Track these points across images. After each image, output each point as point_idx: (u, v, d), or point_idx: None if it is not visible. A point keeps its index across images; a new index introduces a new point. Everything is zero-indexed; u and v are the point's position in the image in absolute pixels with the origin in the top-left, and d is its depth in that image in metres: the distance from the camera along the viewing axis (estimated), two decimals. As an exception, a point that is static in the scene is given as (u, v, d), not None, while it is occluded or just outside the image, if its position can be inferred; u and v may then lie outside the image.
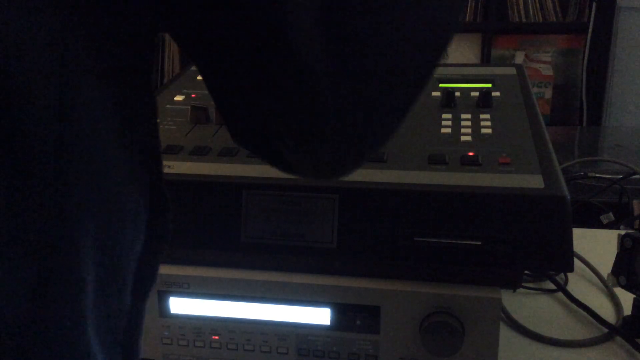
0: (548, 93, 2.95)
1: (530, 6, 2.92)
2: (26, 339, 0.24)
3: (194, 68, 0.83)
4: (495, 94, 0.70)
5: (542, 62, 2.95)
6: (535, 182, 0.52)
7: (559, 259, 0.51)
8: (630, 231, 0.64)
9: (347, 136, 0.29)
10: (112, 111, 0.27)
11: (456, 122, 0.64)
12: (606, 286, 0.74)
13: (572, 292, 0.70)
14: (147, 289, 0.34)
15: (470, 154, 0.57)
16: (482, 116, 0.65)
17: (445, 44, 0.30)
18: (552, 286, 0.72)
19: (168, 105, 0.72)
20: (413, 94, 0.30)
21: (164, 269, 0.57)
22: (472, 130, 0.62)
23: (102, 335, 0.29)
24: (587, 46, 2.85)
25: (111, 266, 0.29)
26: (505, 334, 0.66)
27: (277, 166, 0.33)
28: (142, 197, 0.31)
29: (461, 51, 3.00)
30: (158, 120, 0.32)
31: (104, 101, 0.26)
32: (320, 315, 0.55)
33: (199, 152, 0.60)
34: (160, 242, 0.34)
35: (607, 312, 0.69)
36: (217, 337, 0.57)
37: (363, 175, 0.55)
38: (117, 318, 0.31)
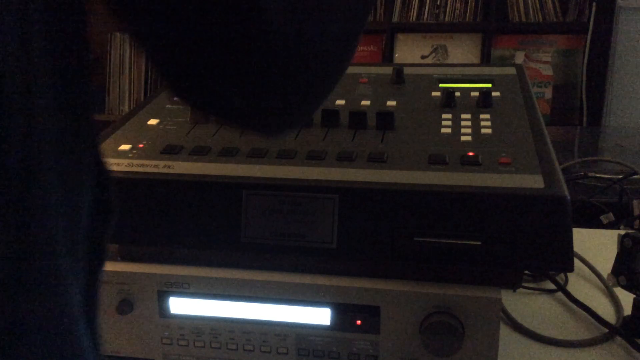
0: (548, 93, 2.95)
1: (530, 6, 2.92)
2: (10, 291, 0.25)
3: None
4: (495, 94, 0.70)
5: (542, 62, 2.95)
6: (535, 182, 0.52)
7: (559, 259, 0.51)
8: (630, 231, 0.64)
9: (295, 73, 0.31)
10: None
11: (456, 122, 0.64)
12: (606, 286, 0.74)
13: (572, 292, 0.70)
14: (95, 268, 0.34)
15: (470, 154, 0.57)
16: (482, 116, 0.65)
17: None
18: (552, 286, 0.72)
19: (168, 105, 0.72)
20: (354, 32, 0.34)
21: (164, 269, 0.57)
22: (472, 130, 0.62)
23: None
24: (587, 46, 2.85)
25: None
26: (505, 334, 0.66)
27: (223, 116, 0.34)
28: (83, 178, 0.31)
29: (461, 51, 3.00)
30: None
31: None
32: (320, 315, 0.55)
33: (199, 152, 0.60)
34: (105, 216, 0.34)
35: (607, 312, 0.69)
36: (217, 337, 0.57)
37: (363, 175, 0.55)
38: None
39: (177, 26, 0.27)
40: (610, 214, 0.96)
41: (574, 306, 0.69)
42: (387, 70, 0.79)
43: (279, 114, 0.34)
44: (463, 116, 0.65)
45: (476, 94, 0.70)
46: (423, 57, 3.03)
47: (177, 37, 0.28)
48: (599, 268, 0.77)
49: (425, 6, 2.99)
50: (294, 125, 0.39)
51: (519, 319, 0.67)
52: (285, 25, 0.28)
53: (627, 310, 0.66)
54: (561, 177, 0.53)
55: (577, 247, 0.72)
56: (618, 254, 0.64)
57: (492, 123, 0.63)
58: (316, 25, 0.30)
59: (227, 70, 0.29)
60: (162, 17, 0.28)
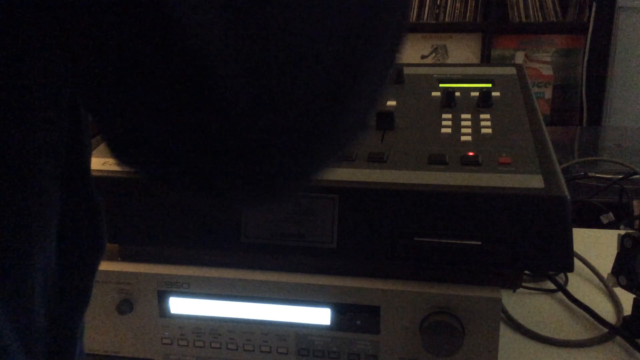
0: (548, 93, 2.95)
1: (530, 6, 2.92)
2: None
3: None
4: (495, 94, 0.70)
5: (542, 62, 2.95)
6: (535, 182, 0.52)
7: (559, 259, 0.51)
8: (630, 231, 0.64)
9: (269, 139, 0.25)
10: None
11: (456, 122, 0.64)
12: (606, 286, 0.74)
13: (572, 292, 0.70)
14: (75, 308, 0.32)
15: (470, 154, 0.57)
16: (482, 116, 0.65)
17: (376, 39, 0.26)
18: (552, 286, 0.72)
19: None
20: (331, 101, 0.26)
21: (164, 269, 0.57)
22: (472, 130, 0.62)
23: (23, 339, 0.28)
24: (587, 46, 2.85)
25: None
26: (505, 334, 0.66)
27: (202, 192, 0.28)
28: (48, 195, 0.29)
29: (461, 51, 3.00)
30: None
31: None
32: (320, 315, 0.55)
33: (199, 152, 0.60)
34: (87, 253, 0.32)
35: (607, 312, 0.69)
36: (217, 337, 0.57)
37: (363, 175, 0.55)
38: (34, 331, 0.29)
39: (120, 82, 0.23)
40: (610, 214, 0.95)
41: (574, 306, 0.69)
42: (387, 70, 0.79)
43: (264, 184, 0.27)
44: (463, 116, 0.65)
45: (476, 94, 0.70)
46: (423, 57, 3.03)
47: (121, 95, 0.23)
48: (599, 268, 0.77)
49: (425, 6, 2.99)
50: (282, 194, 0.29)
51: (519, 319, 0.67)
52: (243, 89, 0.23)
53: (627, 310, 0.66)
54: (561, 177, 0.53)
55: (577, 247, 0.72)
56: (618, 254, 0.64)
57: (492, 123, 0.63)
58: (285, 89, 0.24)
59: (178, 130, 0.24)
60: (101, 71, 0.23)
